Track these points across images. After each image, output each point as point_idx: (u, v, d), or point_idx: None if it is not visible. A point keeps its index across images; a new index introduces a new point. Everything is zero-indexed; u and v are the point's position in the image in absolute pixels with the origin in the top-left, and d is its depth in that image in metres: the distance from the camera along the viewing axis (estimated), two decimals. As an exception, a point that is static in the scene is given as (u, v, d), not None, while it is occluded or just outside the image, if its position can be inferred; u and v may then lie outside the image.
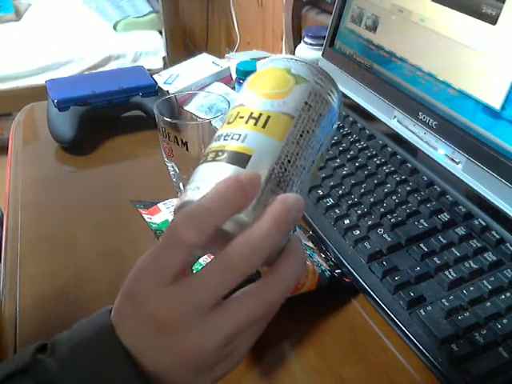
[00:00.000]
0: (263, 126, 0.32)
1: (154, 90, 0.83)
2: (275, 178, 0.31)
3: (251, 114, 0.33)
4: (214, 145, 0.33)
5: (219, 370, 0.31)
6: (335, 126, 0.36)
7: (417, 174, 0.62)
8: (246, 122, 0.33)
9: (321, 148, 0.34)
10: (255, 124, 0.32)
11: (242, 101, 0.34)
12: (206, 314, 0.29)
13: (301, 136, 0.32)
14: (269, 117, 0.32)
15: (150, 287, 0.29)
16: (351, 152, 0.68)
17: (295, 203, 0.30)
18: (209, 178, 0.31)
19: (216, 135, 0.34)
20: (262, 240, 0.29)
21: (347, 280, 0.53)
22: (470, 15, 0.56)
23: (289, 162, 0.32)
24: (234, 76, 0.93)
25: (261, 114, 0.33)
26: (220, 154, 0.32)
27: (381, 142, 0.68)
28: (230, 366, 0.32)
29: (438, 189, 0.59)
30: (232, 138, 0.32)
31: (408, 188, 0.60)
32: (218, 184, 0.30)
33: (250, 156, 0.31)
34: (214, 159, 0.32)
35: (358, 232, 0.56)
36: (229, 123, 0.33)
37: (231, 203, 0.29)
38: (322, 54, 0.80)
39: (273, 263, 0.31)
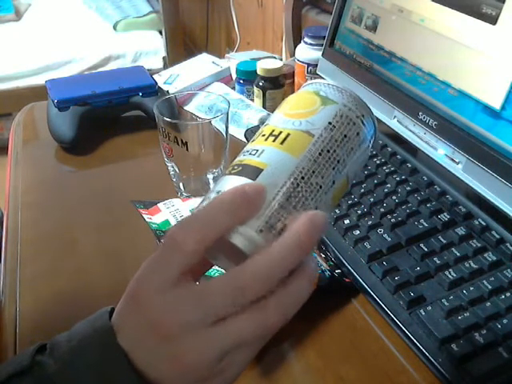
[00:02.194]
0: (281, 143, 0.33)
1: (153, 90, 0.83)
2: (286, 192, 0.31)
3: (272, 131, 0.34)
4: (235, 160, 0.34)
5: (214, 383, 0.30)
6: (367, 151, 0.36)
7: (417, 173, 0.62)
8: (266, 139, 0.33)
9: (344, 170, 0.34)
10: (274, 140, 0.33)
11: (268, 121, 0.35)
12: (207, 326, 0.29)
13: (319, 154, 0.32)
14: (288, 134, 0.33)
15: (152, 291, 0.29)
16: (351, 152, 0.68)
17: (322, 222, 0.29)
18: (218, 190, 0.32)
19: (240, 153, 0.35)
20: (281, 261, 0.28)
21: (347, 280, 0.53)
22: (470, 15, 0.56)
23: (302, 178, 0.32)
24: (234, 76, 0.93)
25: (281, 132, 0.33)
26: (236, 167, 0.32)
27: (381, 142, 0.68)
28: (227, 380, 0.31)
29: (438, 189, 0.59)
30: (250, 154, 0.33)
31: (408, 188, 0.60)
32: (223, 193, 0.30)
33: (261, 170, 0.32)
34: (230, 172, 0.33)
35: (358, 232, 0.56)
36: (252, 141, 0.34)
37: (232, 211, 0.29)
38: (322, 54, 0.80)
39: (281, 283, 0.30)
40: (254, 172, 0.32)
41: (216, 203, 0.30)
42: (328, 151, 0.33)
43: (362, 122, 0.35)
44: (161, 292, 0.29)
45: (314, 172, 0.32)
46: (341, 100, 0.35)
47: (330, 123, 0.33)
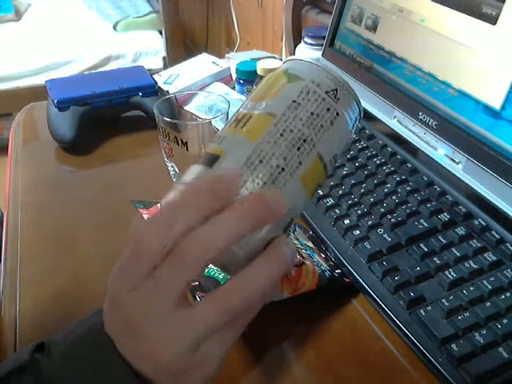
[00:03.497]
0: (242, 127, 0.32)
1: (153, 90, 0.83)
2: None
3: (237, 116, 0.33)
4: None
5: (194, 377, 0.30)
6: (347, 128, 0.33)
7: (417, 173, 0.62)
8: (230, 126, 0.32)
9: (314, 149, 0.32)
10: (235, 126, 0.32)
11: (239, 107, 0.34)
12: (171, 312, 0.29)
13: (281, 135, 0.31)
14: (250, 117, 0.32)
15: (123, 292, 0.30)
16: (351, 152, 0.68)
17: (272, 198, 0.29)
18: (184, 179, 0.32)
19: None
20: (217, 230, 0.28)
21: (347, 280, 0.53)
22: (470, 15, 0.56)
23: (260, 161, 0.30)
24: (234, 76, 0.93)
25: (244, 116, 0.32)
26: (201, 157, 0.32)
27: (381, 142, 0.68)
28: (206, 373, 0.31)
29: (438, 189, 0.59)
30: (214, 142, 0.32)
31: (408, 188, 0.60)
32: (184, 189, 0.30)
33: (218, 156, 0.31)
34: (196, 162, 0.32)
35: (358, 232, 0.56)
36: (223, 129, 0.34)
37: (194, 205, 0.29)
38: (322, 54, 0.80)
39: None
40: (210, 160, 0.31)
41: (174, 201, 0.30)
42: (291, 131, 0.31)
43: (335, 97, 0.32)
44: (130, 292, 0.29)
45: (273, 154, 0.30)
46: (309, 76, 0.33)
47: (294, 101, 0.32)
